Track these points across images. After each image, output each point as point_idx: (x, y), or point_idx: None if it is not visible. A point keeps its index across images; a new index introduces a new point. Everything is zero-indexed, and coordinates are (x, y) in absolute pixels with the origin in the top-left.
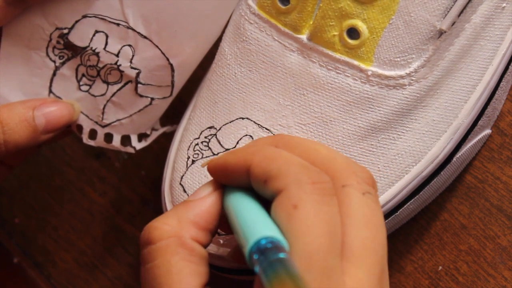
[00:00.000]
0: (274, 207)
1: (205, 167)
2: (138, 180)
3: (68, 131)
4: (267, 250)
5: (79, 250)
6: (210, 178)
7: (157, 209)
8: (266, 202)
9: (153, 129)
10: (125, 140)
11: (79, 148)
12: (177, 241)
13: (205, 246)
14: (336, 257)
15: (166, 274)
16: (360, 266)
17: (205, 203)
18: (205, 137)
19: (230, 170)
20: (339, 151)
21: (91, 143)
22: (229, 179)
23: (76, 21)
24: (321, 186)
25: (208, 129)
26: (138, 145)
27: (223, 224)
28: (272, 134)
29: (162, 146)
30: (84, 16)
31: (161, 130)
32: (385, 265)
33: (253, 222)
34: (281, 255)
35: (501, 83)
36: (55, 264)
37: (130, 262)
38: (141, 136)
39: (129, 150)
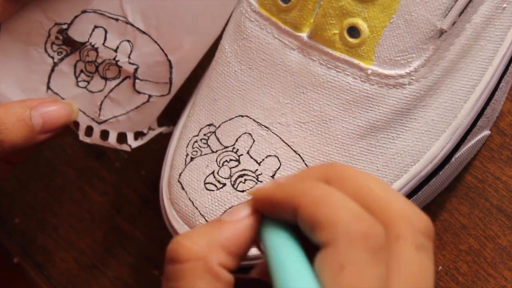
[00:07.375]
0: (319, 261)
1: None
2: (138, 180)
3: (67, 130)
4: None
5: (79, 250)
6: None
7: (157, 209)
8: (308, 240)
9: (150, 128)
10: (121, 138)
11: (79, 148)
12: (204, 265)
13: (232, 271)
14: None
15: None
16: None
17: (239, 227)
18: (204, 135)
19: (276, 206)
20: (339, 151)
21: (87, 140)
22: (275, 214)
23: (75, 17)
24: (373, 242)
25: (207, 127)
26: (134, 143)
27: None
28: (271, 132)
29: (162, 146)
30: (83, 11)
31: (158, 130)
32: None
33: (292, 272)
34: None
35: (501, 84)
36: (55, 264)
37: (130, 262)
38: (138, 135)
39: (125, 148)
